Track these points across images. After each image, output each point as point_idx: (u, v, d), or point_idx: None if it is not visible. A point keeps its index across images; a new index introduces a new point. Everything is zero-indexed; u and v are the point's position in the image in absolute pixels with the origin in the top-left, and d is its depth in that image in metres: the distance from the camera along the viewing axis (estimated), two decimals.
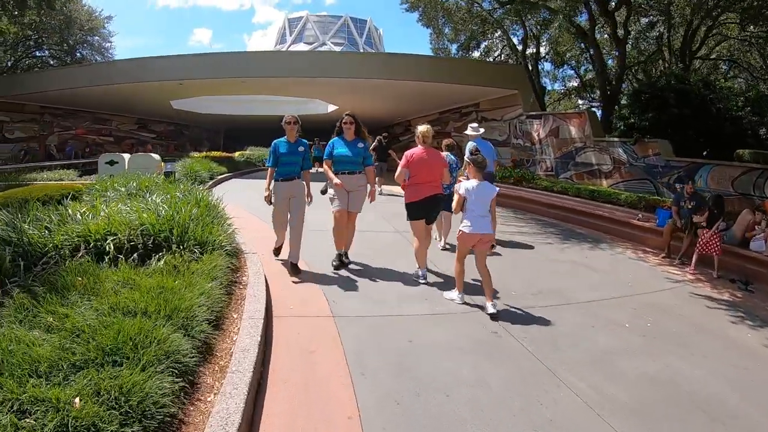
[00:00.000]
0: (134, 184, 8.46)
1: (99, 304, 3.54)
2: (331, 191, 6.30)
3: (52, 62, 32.89)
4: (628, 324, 5.14)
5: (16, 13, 22.70)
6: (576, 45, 24.84)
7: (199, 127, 39.48)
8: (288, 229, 6.26)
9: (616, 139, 15.00)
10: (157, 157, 14.31)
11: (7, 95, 22.95)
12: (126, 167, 14.06)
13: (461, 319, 4.99)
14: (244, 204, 10.68)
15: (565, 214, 11.85)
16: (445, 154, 7.34)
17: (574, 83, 29.74)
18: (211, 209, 6.65)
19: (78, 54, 33.89)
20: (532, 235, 9.96)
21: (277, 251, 6.77)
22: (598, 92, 26.04)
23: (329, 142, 6.43)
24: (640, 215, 10.12)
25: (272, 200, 6.07)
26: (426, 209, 6.06)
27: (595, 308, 5.56)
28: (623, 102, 15.88)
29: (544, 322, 5.03)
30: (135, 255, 4.80)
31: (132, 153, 19.53)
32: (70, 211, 5.63)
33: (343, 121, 6.28)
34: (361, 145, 6.30)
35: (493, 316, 4.98)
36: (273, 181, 6.03)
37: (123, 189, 8.18)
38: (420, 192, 5.95)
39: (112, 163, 14.66)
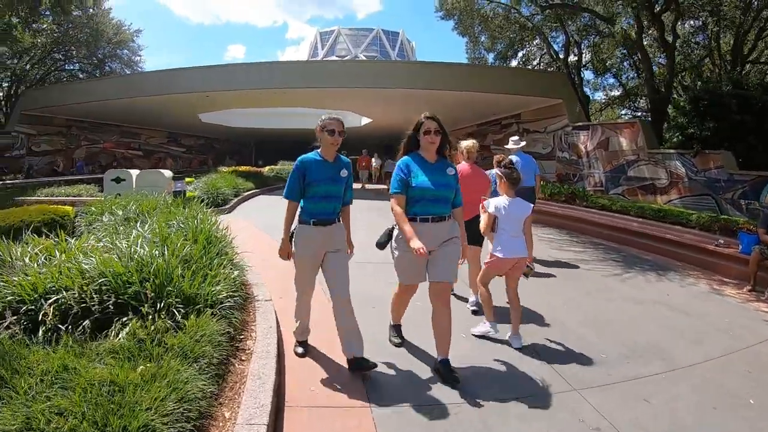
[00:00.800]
0: (133, 207, 7.24)
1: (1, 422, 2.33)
2: (396, 246, 3.95)
3: (81, 75, 32.98)
4: (752, 400, 4.01)
5: (30, 19, 22.52)
6: (619, 51, 23.73)
7: (229, 141, 39.38)
8: (331, 302, 3.90)
9: (672, 150, 13.99)
10: (167, 173, 13.02)
11: (34, 108, 22.95)
12: (134, 185, 12.96)
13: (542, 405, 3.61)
14: (267, 225, 10.09)
15: (626, 236, 10.77)
16: (496, 171, 6.87)
17: (616, 92, 28.59)
18: (215, 243, 5.25)
19: (107, 67, 34.03)
20: (592, 261, 8.99)
21: (303, 345, 4.23)
22: (642, 101, 25.00)
23: (399, 165, 3.91)
24: (720, 240, 9.00)
25: (294, 256, 3.89)
26: (470, 231, 4.87)
27: (705, 373, 4.32)
28: (678, 110, 14.72)
29: (656, 407, 3.67)
30: (87, 322, 3.36)
31: (159, 167, 19.03)
32: (13, 252, 4.38)
33: (425, 129, 3.84)
34: (451, 171, 3.92)
35: (519, 348, 4.49)
36: (298, 223, 3.88)
37: (120, 213, 6.94)
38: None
39: (118, 180, 13.38)
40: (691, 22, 21.82)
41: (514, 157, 7.89)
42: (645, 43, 21.41)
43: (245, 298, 4.69)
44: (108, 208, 7.32)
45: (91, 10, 29.32)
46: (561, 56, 22.67)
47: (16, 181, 19.56)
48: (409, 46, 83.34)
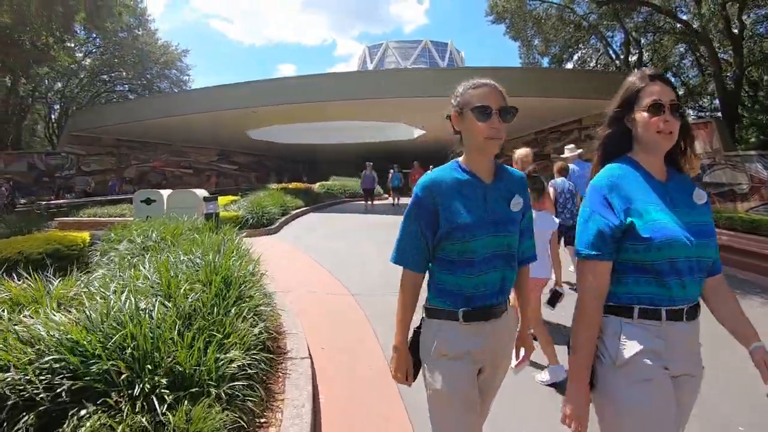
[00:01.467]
0: (154, 234, 6.25)
1: None
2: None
3: (130, 96, 33.72)
4: None
5: (66, 37, 22.86)
6: (678, 48, 22.52)
7: (279, 158, 39.37)
8: None
9: (753, 152, 12.91)
10: (201, 193, 12.39)
11: (82, 128, 23.43)
12: (165, 206, 12.17)
13: None
14: (315, 247, 9.71)
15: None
16: (560, 180, 6.89)
17: (679, 91, 26.91)
18: (235, 285, 3.93)
19: (156, 87, 34.64)
20: None
21: None
22: (705, 99, 23.69)
23: (597, 188, 1.99)
24: None
25: (433, 378, 1.87)
26: None
27: None
28: (756, 107, 13.67)
29: None
30: (30, 417, 2.23)
31: (207, 186, 18.84)
32: None
33: (652, 100, 1.72)
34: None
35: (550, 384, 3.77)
36: (425, 317, 1.97)
37: (140, 240, 6.06)
38: None
39: (148, 201, 12.51)
40: (756, 12, 20.37)
41: (572, 166, 7.71)
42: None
43: (272, 356, 3.54)
44: (129, 233, 6.42)
45: (136, 31, 30.10)
46: (621, 56, 21.65)
47: (61, 201, 19.74)
48: (459, 56, 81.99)
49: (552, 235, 4.08)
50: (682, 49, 22.64)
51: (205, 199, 10.75)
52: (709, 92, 24.71)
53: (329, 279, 7.14)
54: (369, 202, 18.56)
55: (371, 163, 18.88)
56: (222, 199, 14.00)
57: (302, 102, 17.83)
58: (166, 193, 12.63)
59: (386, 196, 22.48)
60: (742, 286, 7.71)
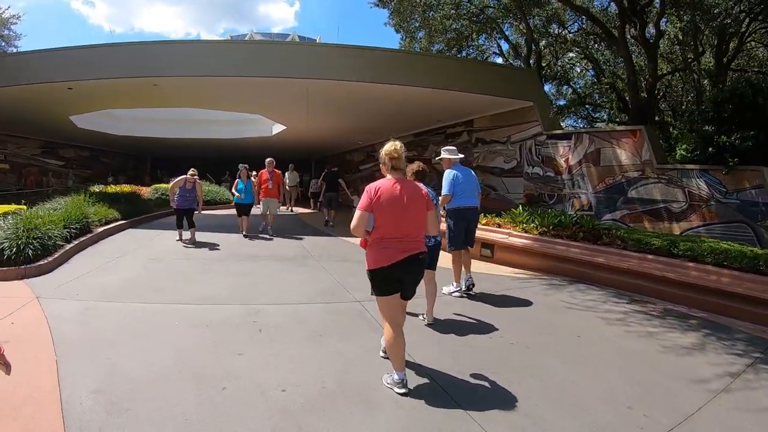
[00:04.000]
0: None
1: None
2: None
3: None
4: None
5: None
6: (573, 54, 21.01)
7: (121, 154, 33.63)
8: None
9: (693, 166, 10.86)
10: None
11: None
12: None
13: None
14: (98, 319, 5.81)
15: (717, 300, 6.99)
16: None
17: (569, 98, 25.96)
18: None
19: None
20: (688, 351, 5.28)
21: None
22: (604, 112, 22.53)
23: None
24: None
25: None
26: (402, 278, 4.01)
27: None
28: (697, 116, 11.77)
29: None
30: None
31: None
32: None
33: None
34: None
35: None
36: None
37: None
38: (391, 251, 3.91)
39: None
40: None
41: (452, 171, 7.21)
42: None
43: None
44: None
45: None
46: (521, 54, 19.50)
47: None
48: None
49: None
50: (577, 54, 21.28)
51: None
52: (603, 102, 23.76)
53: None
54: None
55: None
56: None
57: (131, 76, 13.12)
58: None
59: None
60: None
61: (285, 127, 20.16)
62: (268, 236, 12.82)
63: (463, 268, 7.47)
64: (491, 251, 10.56)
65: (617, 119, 22.17)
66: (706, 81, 19.30)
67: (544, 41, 20.06)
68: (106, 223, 11.84)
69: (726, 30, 16.65)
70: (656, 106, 17.88)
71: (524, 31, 18.61)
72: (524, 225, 10.50)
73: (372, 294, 4.10)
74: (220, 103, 17.04)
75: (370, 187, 3.94)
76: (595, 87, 23.73)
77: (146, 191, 19.75)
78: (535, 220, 10.56)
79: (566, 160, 13.41)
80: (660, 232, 10.71)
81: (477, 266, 8.95)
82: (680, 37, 18.81)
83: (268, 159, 13.47)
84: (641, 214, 11.60)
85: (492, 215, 11.53)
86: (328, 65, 12.90)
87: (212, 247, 11.03)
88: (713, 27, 16.40)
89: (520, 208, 11.69)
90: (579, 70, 23.25)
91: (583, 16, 16.64)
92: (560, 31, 19.53)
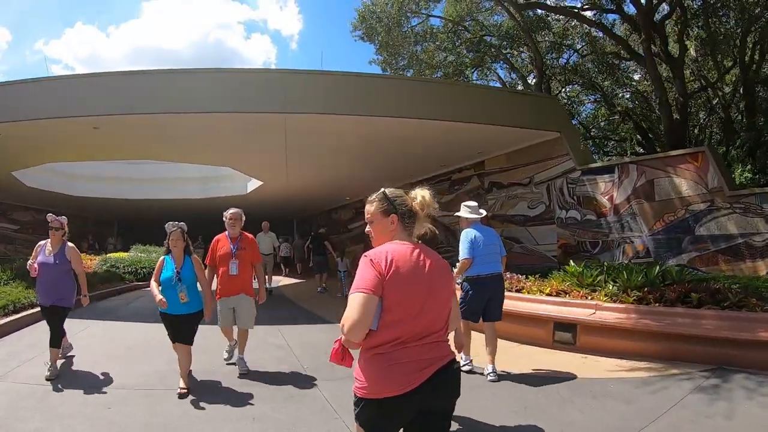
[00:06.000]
0: None
1: None
2: None
3: None
4: None
5: None
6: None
7: (85, 218, 31.11)
8: None
9: None
10: None
11: None
12: None
13: None
14: None
15: None
16: None
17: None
18: None
19: None
20: None
21: None
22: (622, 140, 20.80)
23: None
24: None
25: None
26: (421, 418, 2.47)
27: None
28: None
29: None
30: None
31: None
32: None
33: None
34: None
35: None
36: None
37: None
38: (408, 366, 2.41)
39: None
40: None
41: (471, 231, 6.25)
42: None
43: None
44: None
45: None
46: (530, 82, 17.60)
47: None
48: None
49: None
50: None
51: None
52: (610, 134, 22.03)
53: None
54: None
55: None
56: None
57: (64, 116, 10.30)
58: None
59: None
60: None
61: (261, 183, 17.81)
62: (240, 370, 6.40)
63: (487, 352, 6.11)
64: (573, 335, 7.23)
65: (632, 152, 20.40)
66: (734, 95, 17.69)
67: (547, 71, 18.29)
68: (15, 312, 8.92)
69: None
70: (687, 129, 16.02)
71: (530, 56, 16.79)
72: (601, 289, 7.71)
73: (356, 422, 2.51)
74: (179, 152, 14.58)
75: (378, 255, 2.49)
76: (602, 118, 22.23)
77: (93, 262, 17.20)
78: (616, 278, 7.92)
79: (610, 198, 11.09)
80: (741, 274, 8.62)
81: (555, 360, 6.51)
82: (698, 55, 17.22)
83: (230, 211, 6.80)
84: (715, 254, 9.35)
85: (532, 277, 9.14)
86: (310, 95, 10.56)
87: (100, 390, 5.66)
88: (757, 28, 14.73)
89: (571, 262, 9.27)
90: (582, 100, 21.58)
91: (599, 31, 14.86)
92: (569, 56, 17.82)
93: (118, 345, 7.69)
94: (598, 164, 11.78)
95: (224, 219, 6.67)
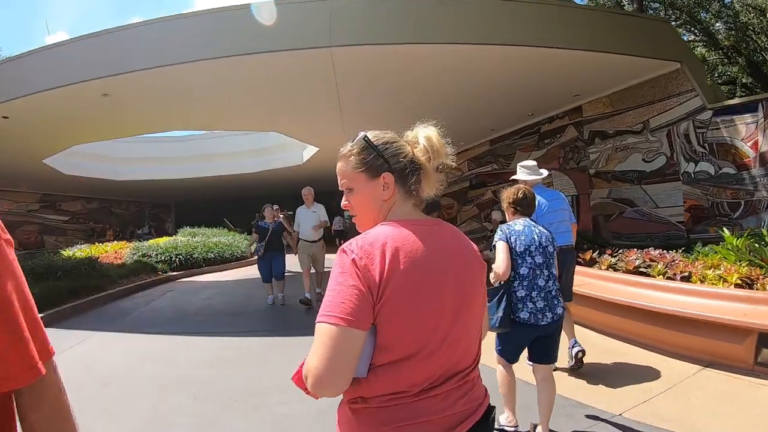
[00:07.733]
0: None
1: None
2: None
3: None
4: None
5: None
6: None
7: (138, 203, 30.72)
8: None
9: None
10: None
11: None
12: None
13: None
14: None
15: None
16: (517, 223, 3.85)
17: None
18: None
19: None
20: None
21: None
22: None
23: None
24: None
25: None
26: None
27: None
28: None
29: None
30: None
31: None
32: None
33: None
34: None
35: None
36: None
37: None
38: (414, 427, 1.30)
39: None
40: None
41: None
42: None
43: None
44: None
45: None
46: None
47: None
48: None
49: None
50: None
51: None
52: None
53: None
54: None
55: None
56: None
57: (70, 83, 9.23)
58: None
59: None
60: None
61: (318, 149, 15.99)
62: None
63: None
64: None
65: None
66: None
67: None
68: None
69: None
70: None
71: None
72: None
73: None
74: (208, 116, 12.83)
75: (364, 249, 1.35)
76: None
77: (123, 251, 15.93)
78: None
79: (754, 145, 8.51)
80: None
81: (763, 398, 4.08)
82: None
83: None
84: None
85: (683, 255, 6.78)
86: (359, 20, 8.42)
87: None
88: None
89: (725, 231, 6.85)
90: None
91: None
92: None
93: (95, 376, 5.42)
94: (736, 101, 9.12)
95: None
